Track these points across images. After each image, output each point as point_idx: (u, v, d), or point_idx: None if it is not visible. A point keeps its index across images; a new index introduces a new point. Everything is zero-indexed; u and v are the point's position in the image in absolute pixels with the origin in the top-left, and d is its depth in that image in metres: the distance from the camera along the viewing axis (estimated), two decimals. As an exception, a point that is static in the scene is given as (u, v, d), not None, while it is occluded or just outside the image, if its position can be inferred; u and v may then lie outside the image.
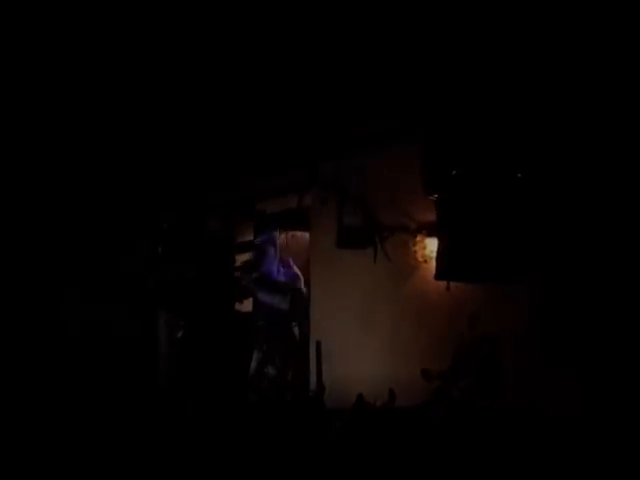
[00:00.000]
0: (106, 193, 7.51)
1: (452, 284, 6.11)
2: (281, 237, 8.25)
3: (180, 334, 7.65)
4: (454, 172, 5.62)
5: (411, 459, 5.39)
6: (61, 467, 5.81)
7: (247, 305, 7.64)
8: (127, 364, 7.55)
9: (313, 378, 6.91)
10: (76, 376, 7.19)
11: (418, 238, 6.49)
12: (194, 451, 5.83)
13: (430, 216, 6.12)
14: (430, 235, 6.34)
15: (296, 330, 7.53)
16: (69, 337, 7.38)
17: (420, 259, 6.47)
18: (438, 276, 5.95)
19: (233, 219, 8.19)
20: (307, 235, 7.84)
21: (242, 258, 8.24)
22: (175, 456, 5.80)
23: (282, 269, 7.61)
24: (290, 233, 8.25)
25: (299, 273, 7.61)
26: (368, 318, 6.86)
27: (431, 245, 6.33)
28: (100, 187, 7.44)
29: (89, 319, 7.57)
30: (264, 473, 5.64)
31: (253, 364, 7.43)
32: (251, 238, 8.31)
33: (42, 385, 6.93)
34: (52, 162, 7.20)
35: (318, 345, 6.87)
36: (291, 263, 7.71)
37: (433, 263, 6.08)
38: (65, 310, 7.47)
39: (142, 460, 5.88)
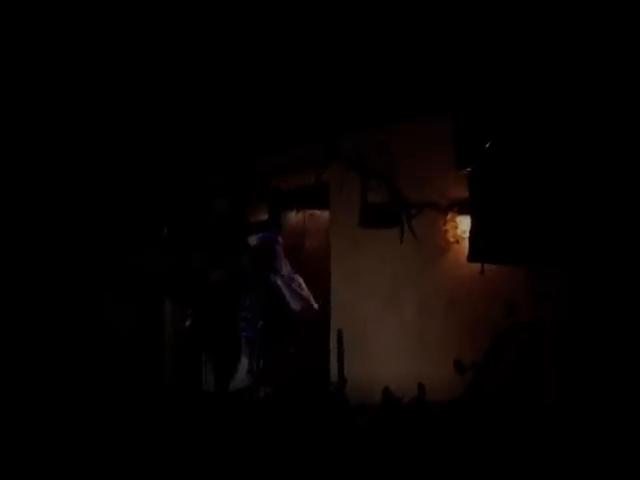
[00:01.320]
0: (106, 169, 7.53)
1: (486, 266, 6.07)
2: (297, 216, 8.29)
3: (187, 324, 7.60)
4: (489, 144, 5.56)
5: (442, 459, 5.29)
6: (61, 465, 5.81)
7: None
8: (130, 358, 7.56)
9: (334, 370, 6.93)
10: (77, 371, 7.21)
11: (449, 216, 6.48)
12: (204, 449, 5.80)
13: (462, 192, 6.07)
14: (462, 213, 6.33)
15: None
16: (66, 330, 7.39)
17: (451, 239, 6.48)
18: (471, 258, 5.90)
19: (245, 198, 8.15)
20: (326, 214, 7.85)
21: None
22: (184, 453, 5.77)
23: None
24: (308, 212, 8.22)
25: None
26: (394, 304, 6.88)
27: (463, 224, 6.33)
28: (99, 162, 7.46)
29: (88, 311, 7.60)
30: (282, 473, 5.55)
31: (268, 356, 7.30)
32: (265, 217, 8.13)
33: (41, 383, 6.94)
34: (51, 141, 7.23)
35: (339, 334, 6.90)
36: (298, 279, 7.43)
37: (465, 243, 6.08)
38: (62, 301, 7.46)
39: (150, 454, 5.87)
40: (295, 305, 7.00)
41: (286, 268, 7.20)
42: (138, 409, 6.45)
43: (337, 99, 6.68)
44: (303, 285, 7.21)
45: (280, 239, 7.37)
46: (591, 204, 5.30)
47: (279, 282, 7.02)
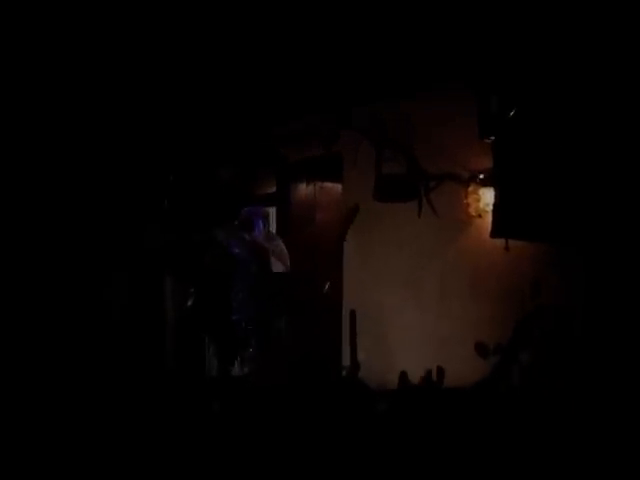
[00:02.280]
0: (105, 138, 7.52)
1: (511, 243, 6.01)
2: (308, 188, 8.24)
3: (189, 303, 7.49)
4: (515, 110, 5.45)
5: (463, 446, 5.31)
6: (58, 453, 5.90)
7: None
8: (129, 340, 7.58)
9: (346, 353, 6.92)
10: (74, 354, 7.25)
11: (471, 188, 6.40)
12: (210, 440, 5.87)
13: (486, 163, 6.00)
14: (485, 185, 6.25)
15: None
16: (61, 310, 7.39)
17: (473, 213, 6.40)
18: (495, 233, 5.81)
19: (251, 168, 8.22)
20: (339, 187, 7.80)
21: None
22: (188, 445, 5.83)
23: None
24: (318, 184, 8.17)
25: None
26: (411, 283, 6.84)
27: (487, 197, 6.25)
28: (99, 131, 7.45)
29: (84, 290, 7.59)
30: (296, 461, 5.60)
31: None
32: (273, 190, 8.37)
33: (36, 366, 7.00)
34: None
35: (352, 315, 6.87)
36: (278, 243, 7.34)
37: (489, 218, 5.97)
38: (57, 280, 7.45)
39: (150, 444, 5.94)
40: (277, 267, 6.90)
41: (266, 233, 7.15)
42: (137, 395, 6.54)
43: (352, 67, 6.64)
44: (282, 246, 7.13)
45: (265, 212, 7.32)
46: (626, 177, 5.17)
47: (254, 238, 6.96)
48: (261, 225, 7.04)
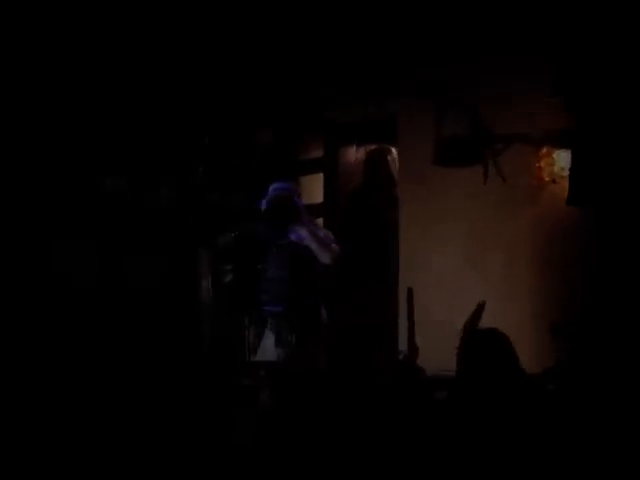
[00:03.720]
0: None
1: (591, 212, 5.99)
2: (359, 152, 8.18)
3: (228, 279, 7.49)
4: (597, 62, 5.55)
5: (534, 436, 4.99)
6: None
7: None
8: (157, 322, 7.53)
9: (403, 336, 6.73)
10: (92, 338, 7.22)
11: (544, 151, 6.33)
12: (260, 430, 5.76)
13: (562, 121, 6.03)
14: (561, 146, 6.21)
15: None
16: (82, 291, 7.35)
17: (547, 178, 6.32)
18: (572, 200, 5.89)
19: (295, 131, 8.18)
20: (394, 150, 7.75)
21: (308, 181, 8.28)
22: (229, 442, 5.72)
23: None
24: (370, 148, 8.10)
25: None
26: (475, 257, 6.79)
27: (562, 160, 6.21)
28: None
29: (107, 268, 7.55)
30: (346, 457, 5.37)
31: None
32: (320, 155, 8.27)
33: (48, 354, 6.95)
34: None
35: (409, 293, 6.58)
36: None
37: (565, 183, 6.01)
38: (74, 258, 7.37)
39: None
40: (325, 258, 6.72)
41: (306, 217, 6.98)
42: (171, 382, 6.49)
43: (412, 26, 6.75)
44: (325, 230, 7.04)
45: (297, 188, 7.16)
46: None
47: (303, 234, 6.68)
48: (301, 204, 6.89)
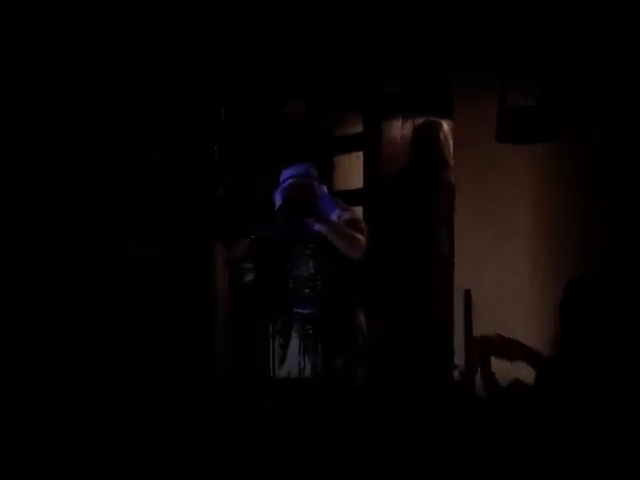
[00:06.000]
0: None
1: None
2: (405, 127, 8.11)
3: (249, 278, 7.27)
4: None
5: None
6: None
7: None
8: (168, 331, 7.60)
9: (460, 348, 6.76)
10: (96, 343, 7.37)
11: None
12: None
13: None
14: None
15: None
16: (78, 290, 7.44)
17: None
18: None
19: (330, 102, 8.07)
20: (444, 125, 7.72)
21: (344, 161, 8.20)
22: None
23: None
24: (419, 122, 8.01)
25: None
26: (546, 253, 6.57)
27: None
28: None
29: (108, 263, 7.66)
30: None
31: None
32: (359, 130, 8.18)
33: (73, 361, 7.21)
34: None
35: (467, 296, 6.71)
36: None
37: None
38: (72, 253, 7.50)
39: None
40: (354, 252, 6.55)
41: (339, 206, 6.86)
42: (176, 401, 6.56)
43: None
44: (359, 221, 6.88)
45: (316, 172, 6.93)
46: None
47: (325, 230, 6.55)
48: (324, 190, 6.78)
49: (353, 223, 6.62)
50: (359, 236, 6.50)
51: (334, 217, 6.60)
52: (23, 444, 6.08)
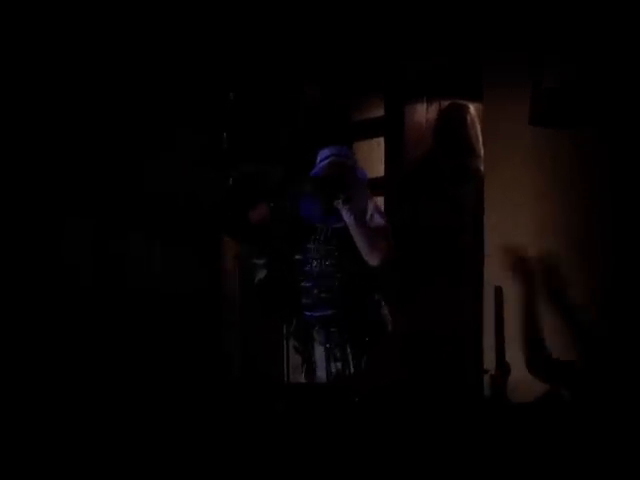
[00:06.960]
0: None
1: None
2: (430, 110, 8.06)
3: (261, 277, 7.20)
4: None
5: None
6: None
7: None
8: (174, 334, 7.61)
9: (489, 351, 6.65)
10: (98, 345, 7.35)
11: None
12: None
13: None
14: None
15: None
16: (82, 289, 7.44)
17: None
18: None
19: (349, 84, 8.05)
20: (476, 107, 7.66)
21: (364, 147, 8.12)
22: None
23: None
24: (445, 104, 8.01)
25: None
26: (583, 246, 6.44)
27: None
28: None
29: (107, 261, 7.66)
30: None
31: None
32: (380, 114, 8.14)
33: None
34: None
35: (498, 293, 6.55)
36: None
37: None
38: (71, 247, 7.51)
39: None
40: (373, 259, 6.35)
41: (376, 206, 6.72)
42: (183, 408, 6.44)
43: None
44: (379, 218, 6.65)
45: (354, 156, 6.87)
46: None
47: (353, 223, 6.33)
48: (365, 175, 6.63)
49: (382, 231, 6.42)
50: (384, 245, 6.32)
51: (368, 213, 6.43)
52: (23, 444, 6.10)
